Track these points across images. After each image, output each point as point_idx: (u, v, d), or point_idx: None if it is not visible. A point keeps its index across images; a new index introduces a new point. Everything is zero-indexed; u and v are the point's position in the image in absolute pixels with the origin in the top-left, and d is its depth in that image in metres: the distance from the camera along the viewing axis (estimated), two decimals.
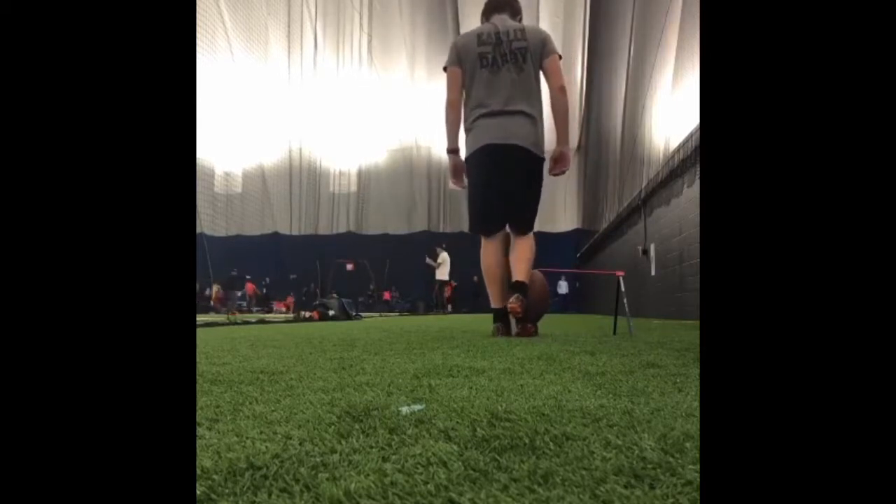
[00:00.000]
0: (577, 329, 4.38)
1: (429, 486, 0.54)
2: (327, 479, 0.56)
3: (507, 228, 3.33)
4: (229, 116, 23.22)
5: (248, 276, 19.34)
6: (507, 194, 3.20)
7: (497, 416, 0.83)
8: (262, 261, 23.16)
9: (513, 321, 3.15)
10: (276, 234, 25.85)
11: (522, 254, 3.27)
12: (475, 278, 16.62)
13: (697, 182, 6.49)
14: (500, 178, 3.17)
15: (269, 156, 25.93)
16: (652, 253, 9.14)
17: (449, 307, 16.15)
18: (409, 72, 23.26)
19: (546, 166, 3.27)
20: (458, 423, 0.79)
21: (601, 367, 1.52)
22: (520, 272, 3.24)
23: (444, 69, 3.29)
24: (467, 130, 3.29)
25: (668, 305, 8.14)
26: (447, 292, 16.08)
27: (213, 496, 0.53)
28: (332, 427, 0.78)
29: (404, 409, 0.89)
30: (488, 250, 3.28)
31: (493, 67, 3.17)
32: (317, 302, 10.54)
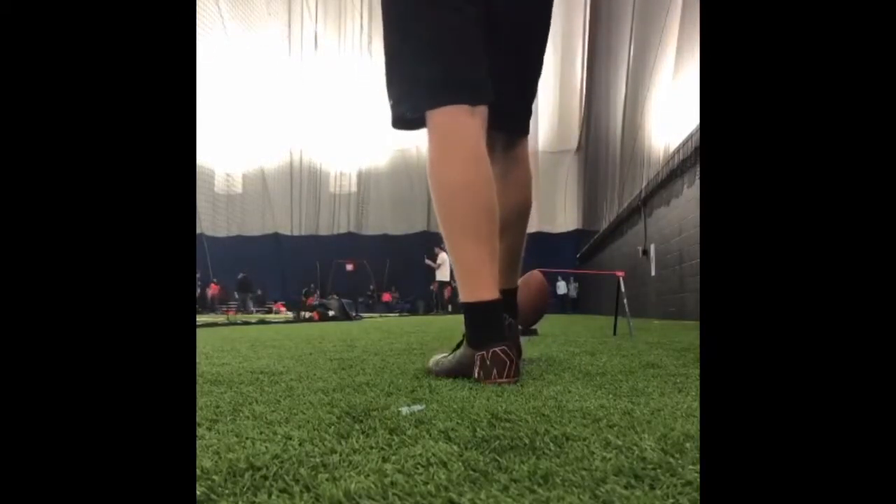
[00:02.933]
0: (576, 330, 4.38)
1: (429, 486, 0.54)
2: (327, 480, 0.56)
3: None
4: (230, 118, 23.25)
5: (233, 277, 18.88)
6: (510, 26, 1.50)
7: (497, 416, 0.83)
8: (263, 261, 23.17)
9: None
10: (276, 235, 25.88)
11: (524, 183, 1.63)
12: None
13: (697, 182, 6.49)
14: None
15: (270, 157, 25.96)
16: (652, 253, 9.14)
17: (449, 307, 16.16)
18: None
19: None
20: (458, 423, 0.79)
21: (601, 368, 1.52)
22: (512, 253, 1.59)
23: None
24: None
25: (668, 306, 8.15)
26: (447, 293, 16.08)
27: (213, 496, 0.53)
28: (332, 428, 0.78)
29: (404, 410, 0.89)
30: (460, 144, 1.39)
31: None
32: (317, 302, 10.55)
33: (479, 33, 1.43)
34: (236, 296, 19.26)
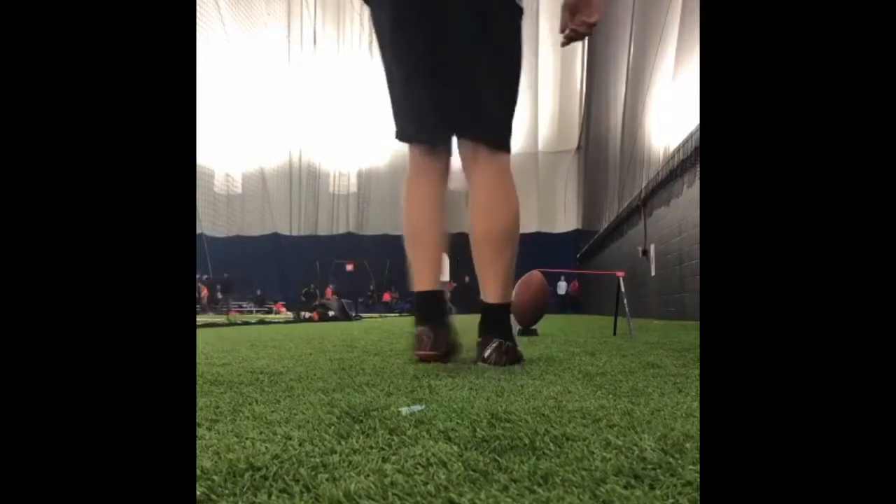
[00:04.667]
0: (577, 330, 4.38)
1: (429, 486, 0.54)
2: (327, 480, 0.56)
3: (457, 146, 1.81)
4: (230, 118, 23.26)
5: (205, 277, 18.62)
6: (453, 69, 1.70)
7: (497, 416, 0.83)
8: (263, 261, 23.18)
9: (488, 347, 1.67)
10: (276, 235, 25.88)
11: (490, 204, 1.74)
12: (466, 279, 16.59)
13: (697, 182, 6.49)
14: (437, 39, 1.69)
15: (270, 157, 25.97)
16: (652, 253, 9.14)
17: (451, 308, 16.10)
18: None
19: (526, 24, 1.86)
20: (458, 423, 0.79)
21: (601, 368, 1.52)
22: (492, 272, 1.73)
23: None
24: None
25: (668, 306, 8.14)
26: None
27: (213, 497, 0.53)
28: (332, 428, 0.78)
29: (404, 410, 0.89)
30: (416, 183, 1.83)
31: None
32: (317, 303, 10.55)
33: (440, 73, 1.70)
34: (219, 296, 19.27)
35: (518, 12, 1.76)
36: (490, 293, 1.73)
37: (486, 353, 1.62)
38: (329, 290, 19.30)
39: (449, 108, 1.74)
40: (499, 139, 1.75)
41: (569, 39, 1.73)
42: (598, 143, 17.91)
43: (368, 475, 0.57)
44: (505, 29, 1.74)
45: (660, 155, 10.00)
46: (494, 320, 1.73)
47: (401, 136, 1.85)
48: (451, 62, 1.70)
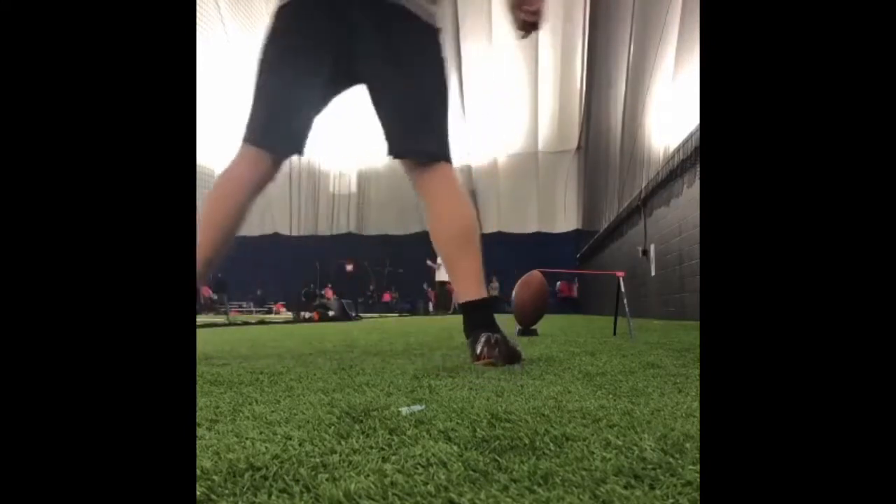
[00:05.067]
0: (577, 330, 4.38)
1: (429, 486, 0.54)
2: (327, 480, 0.56)
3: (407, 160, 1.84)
4: (230, 118, 23.23)
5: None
6: (378, 94, 1.81)
7: (497, 416, 0.83)
8: (263, 261, 23.20)
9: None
10: (275, 235, 25.87)
11: (442, 211, 1.79)
12: None
13: (697, 182, 6.49)
14: (345, 46, 1.75)
15: None
16: (652, 253, 9.14)
17: (453, 307, 16.12)
18: None
19: (443, 38, 1.88)
20: (458, 423, 0.79)
21: (601, 368, 1.52)
22: (461, 271, 1.76)
23: None
24: None
25: (668, 306, 8.14)
26: (449, 292, 16.04)
27: (213, 497, 0.53)
28: (332, 428, 0.78)
29: (404, 410, 0.89)
30: (231, 184, 1.92)
31: None
32: (317, 303, 10.54)
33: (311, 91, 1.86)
34: (214, 297, 19.30)
35: (432, 32, 1.83)
36: (464, 292, 1.75)
37: (478, 350, 1.61)
38: (329, 290, 19.33)
39: (386, 131, 1.81)
40: (432, 152, 1.80)
41: (524, 30, 1.80)
42: (598, 143, 17.90)
43: (368, 475, 0.57)
44: (417, 50, 1.79)
45: (660, 155, 10.00)
46: (475, 316, 1.72)
47: (251, 137, 1.95)
48: (377, 88, 1.80)
